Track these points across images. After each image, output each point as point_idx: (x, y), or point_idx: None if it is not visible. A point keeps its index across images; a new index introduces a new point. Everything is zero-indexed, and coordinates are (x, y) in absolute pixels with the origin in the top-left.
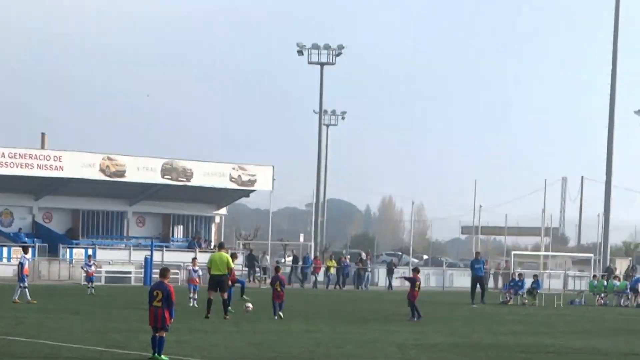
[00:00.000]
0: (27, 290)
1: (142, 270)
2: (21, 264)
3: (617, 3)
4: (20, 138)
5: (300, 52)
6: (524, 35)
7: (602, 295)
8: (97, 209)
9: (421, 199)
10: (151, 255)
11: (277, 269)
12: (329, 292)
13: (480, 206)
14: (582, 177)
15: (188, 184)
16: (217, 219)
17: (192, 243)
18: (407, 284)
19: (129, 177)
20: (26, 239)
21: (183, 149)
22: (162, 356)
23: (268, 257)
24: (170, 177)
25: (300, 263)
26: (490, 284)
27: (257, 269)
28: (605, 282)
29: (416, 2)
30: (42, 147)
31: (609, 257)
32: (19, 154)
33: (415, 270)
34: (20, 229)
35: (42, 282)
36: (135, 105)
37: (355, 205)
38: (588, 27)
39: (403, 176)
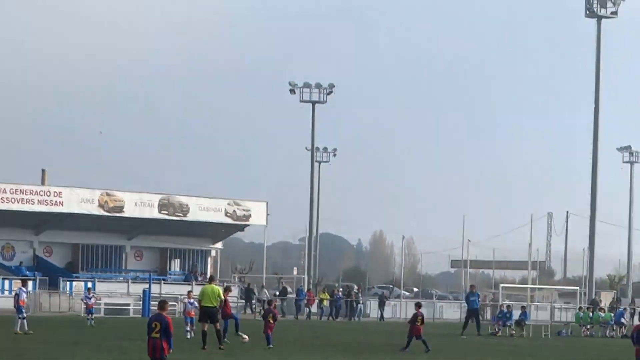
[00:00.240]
0: (24, 321)
1: (141, 302)
2: (17, 295)
3: (598, 43)
4: (21, 174)
5: (292, 91)
6: (508, 74)
7: (588, 326)
8: (96, 243)
9: (411, 233)
10: (149, 288)
11: (269, 303)
12: (322, 323)
13: (469, 240)
14: (567, 212)
15: (184, 218)
16: (213, 253)
17: (189, 276)
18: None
19: (127, 212)
20: (27, 272)
21: (179, 185)
22: None
23: (266, 291)
24: (167, 212)
25: (290, 295)
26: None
27: (254, 302)
28: (591, 314)
29: (403, 43)
30: (43, 183)
31: (594, 290)
32: (20, 190)
33: (418, 305)
34: (21, 262)
35: (43, 313)
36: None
37: (346, 240)
38: (571, 66)
39: (393, 211)
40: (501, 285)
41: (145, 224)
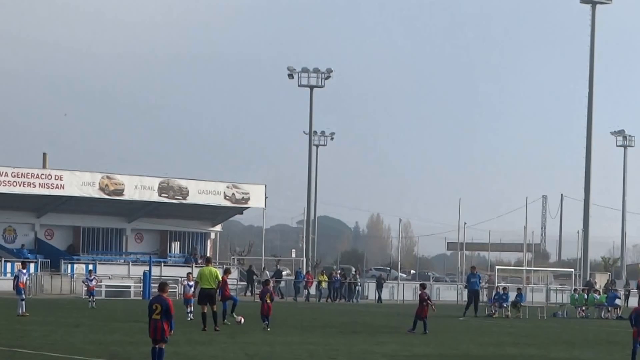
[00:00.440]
0: (23, 302)
1: (141, 284)
2: (16, 277)
3: (592, 28)
4: (23, 158)
5: (290, 76)
6: (503, 60)
7: (583, 308)
8: (97, 226)
9: (408, 216)
10: (150, 270)
11: (265, 283)
12: (320, 305)
13: (465, 223)
14: (562, 195)
15: (184, 201)
16: (212, 235)
17: (189, 258)
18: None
19: (128, 195)
20: (29, 254)
21: (179, 168)
22: None
23: (268, 272)
24: (167, 195)
25: (289, 276)
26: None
27: (256, 284)
28: (585, 296)
29: (400, 28)
30: (44, 167)
31: (589, 272)
32: (22, 173)
33: (422, 286)
34: (23, 245)
35: (44, 296)
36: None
37: (344, 223)
38: (566, 50)
39: (390, 194)
40: (497, 267)
41: (146, 206)
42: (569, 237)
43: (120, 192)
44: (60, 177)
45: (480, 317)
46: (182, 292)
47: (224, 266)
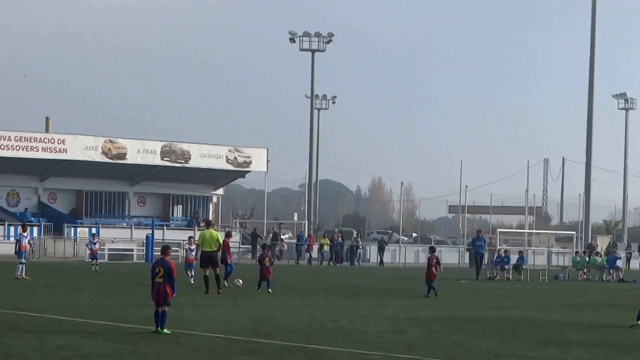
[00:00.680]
0: (22, 266)
1: (144, 247)
2: (18, 241)
3: None
4: (25, 122)
5: (292, 40)
6: (505, 20)
7: (585, 270)
8: (100, 189)
9: (410, 179)
10: (152, 234)
11: (264, 247)
12: (322, 268)
13: (467, 186)
14: (564, 158)
15: (186, 165)
16: (215, 199)
17: (191, 222)
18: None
19: (130, 159)
20: (32, 218)
21: (181, 132)
22: (165, 330)
23: (281, 236)
24: (169, 159)
25: (291, 240)
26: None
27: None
28: (587, 258)
29: None
30: (47, 131)
31: (590, 235)
32: (25, 137)
33: (431, 250)
34: (26, 208)
35: (47, 259)
36: (134, 90)
37: (346, 186)
38: (568, 13)
39: (392, 158)
40: (498, 230)
41: (148, 170)
42: (570, 200)
43: (122, 156)
44: (63, 141)
45: (481, 280)
46: (183, 256)
47: (226, 229)
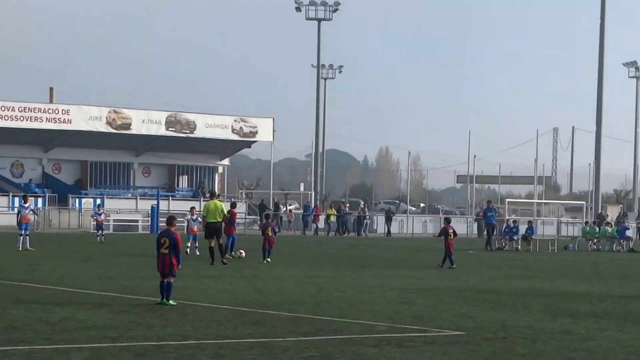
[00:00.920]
0: (21, 238)
1: (149, 218)
2: (19, 212)
3: None
4: (29, 93)
5: (298, 9)
6: None
7: (595, 240)
8: (105, 160)
9: (417, 149)
10: (157, 204)
11: (267, 217)
12: (329, 239)
13: (475, 156)
14: (573, 127)
15: (192, 135)
16: (220, 169)
17: (197, 192)
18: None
19: (135, 130)
20: (36, 189)
21: (186, 102)
22: (170, 301)
23: (282, 207)
24: (174, 129)
25: (298, 210)
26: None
27: None
28: (597, 229)
29: None
30: (51, 101)
31: (600, 205)
32: (29, 108)
33: (447, 220)
34: (30, 179)
35: (52, 230)
36: (139, 59)
37: (353, 156)
38: None
39: (399, 127)
40: (507, 200)
41: (153, 141)
42: (580, 169)
43: (127, 126)
44: (67, 112)
45: (490, 250)
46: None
47: (232, 200)
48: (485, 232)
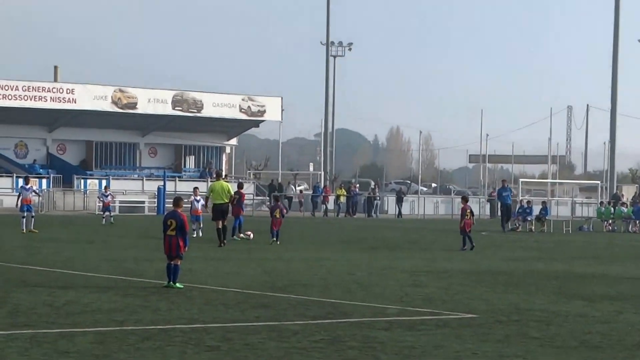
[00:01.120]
0: (24, 220)
1: (155, 199)
2: (19, 194)
3: None
4: (33, 71)
5: None
6: None
7: (610, 221)
8: (110, 140)
9: (428, 128)
10: (164, 185)
11: (276, 198)
12: (339, 220)
13: (487, 135)
14: (588, 105)
15: (198, 115)
16: (228, 149)
17: (204, 173)
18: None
19: (141, 109)
20: (41, 170)
21: (192, 81)
22: (177, 284)
23: (293, 187)
24: (181, 108)
25: (307, 191)
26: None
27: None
28: (612, 209)
29: None
30: (55, 80)
31: (615, 184)
32: (33, 87)
33: (464, 199)
34: (34, 160)
35: (57, 212)
36: (144, 38)
37: (363, 136)
38: None
39: (410, 106)
40: (521, 180)
41: (159, 120)
42: (595, 148)
43: (133, 105)
44: (72, 91)
45: (500, 231)
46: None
47: (239, 180)
48: (499, 213)
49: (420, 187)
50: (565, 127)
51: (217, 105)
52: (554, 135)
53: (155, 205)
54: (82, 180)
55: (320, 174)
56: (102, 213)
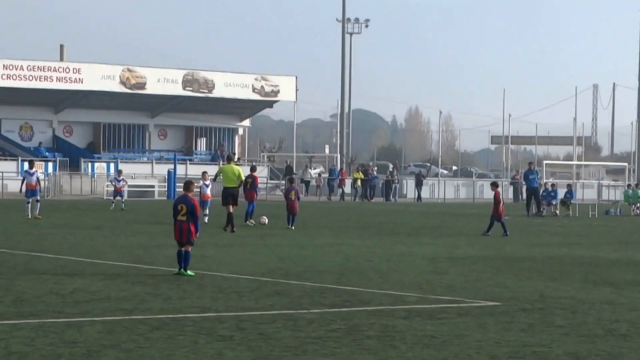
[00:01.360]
0: (29, 205)
1: (165, 184)
2: (23, 179)
3: None
4: (39, 50)
5: None
6: None
7: (638, 205)
8: (118, 122)
9: (449, 108)
10: (174, 169)
11: (290, 181)
12: (356, 204)
13: (510, 115)
14: (614, 83)
15: (210, 95)
16: (241, 131)
17: (216, 156)
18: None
19: (150, 89)
20: (46, 153)
21: (204, 60)
22: (188, 271)
23: (311, 171)
24: (191, 88)
25: (323, 175)
26: (524, 195)
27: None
28: None
29: None
30: (61, 59)
31: None
32: (38, 67)
33: (494, 185)
34: (40, 143)
35: (63, 197)
36: (153, 15)
37: (380, 116)
38: None
39: (430, 85)
40: (545, 162)
41: (169, 101)
42: (622, 129)
43: (142, 85)
44: (79, 71)
45: (524, 215)
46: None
47: (252, 163)
48: (525, 197)
49: (441, 170)
50: (591, 107)
51: (229, 85)
52: (579, 115)
53: (165, 189)
54: (90, 164)
55: (337, 157)
56: (111, 198)
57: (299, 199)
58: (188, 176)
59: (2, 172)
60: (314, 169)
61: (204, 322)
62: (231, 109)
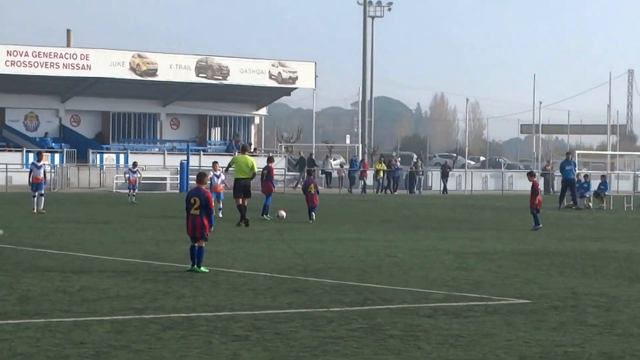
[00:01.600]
0: (35, 199)
1: (178, 176)
2: (30, 171)
3: None
4: (45, 36)
5: None
6: None
7: None
8: (128, 110)
9: (476, 96)
10: (187, 160)
11: (309, 173)
12: (379, 197)
13: (540, 103)
14: None
15: (224, 82)
16: (257, 120)
17: (231, 146)
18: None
19: (161, 76)
20: (53, 144)
21: (218, 45)
22: (202, 268)
23: (332, 162)
24: (205, 75)
25: (345, 166)
26: (555, 187)
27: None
28: None
29: None
30: (68, 45)
31: None
32: (44, 53)
33: (531, 175)
34: (46, 133)
35: (71, 190)
36: None
37: (404, 104)
38: None
39: (456, 72)
40: (577, 152)
41: (182, 88)
42: None
43: (153, 72)
44: (87, 57)
45: (555, 207)
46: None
47: (269, 154)
48: (570, 189)
49: (467, 161)
50: (626, 94)
51: (245, 71)
52: (614, 102)
53: (178, 181)
54: (98, 155)
55: (358, 147)
56: (128, 190)
57: (318, 192)
58: (201, 168)
59: (7, 164)
60: (334, 159)
61: (218, 321)
62: (247, 97)
